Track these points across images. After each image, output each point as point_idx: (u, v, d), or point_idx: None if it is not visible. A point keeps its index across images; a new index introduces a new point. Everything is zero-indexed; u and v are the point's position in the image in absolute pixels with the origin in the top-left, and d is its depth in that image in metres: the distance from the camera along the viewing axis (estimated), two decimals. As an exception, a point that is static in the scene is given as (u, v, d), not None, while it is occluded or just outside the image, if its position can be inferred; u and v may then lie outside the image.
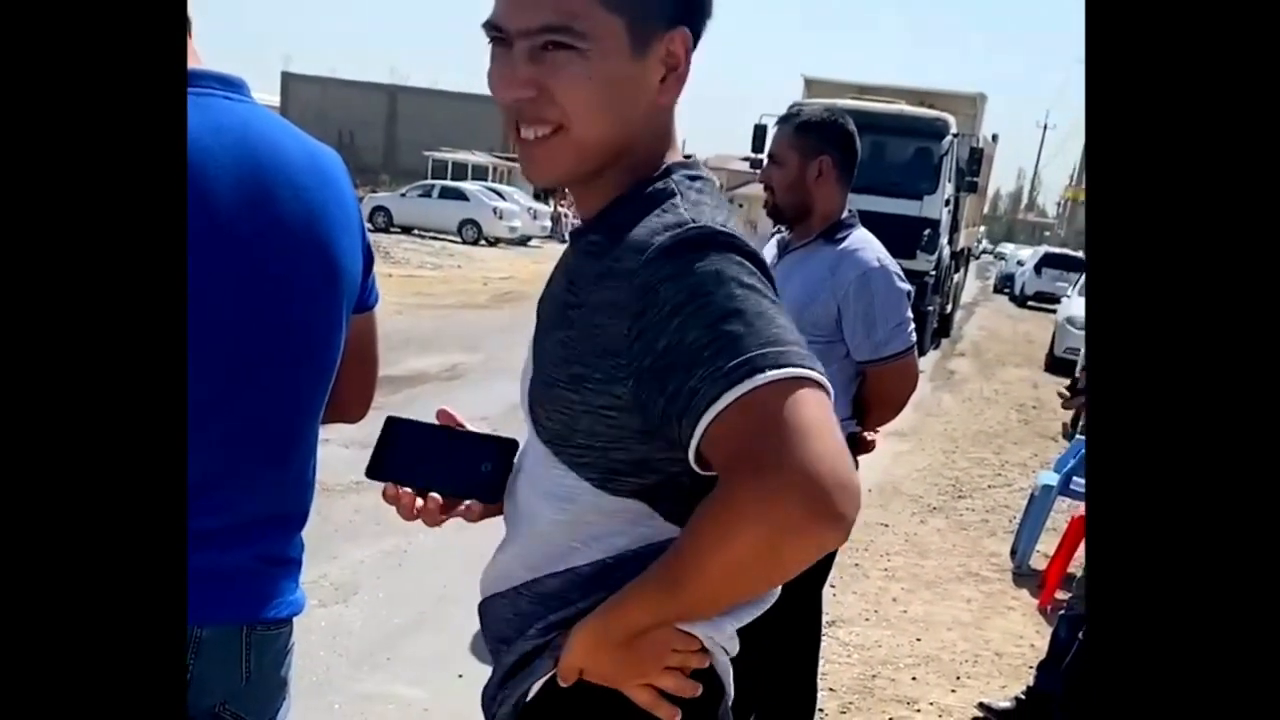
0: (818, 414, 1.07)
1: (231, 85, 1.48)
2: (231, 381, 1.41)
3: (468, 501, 1.44)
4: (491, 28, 1.23)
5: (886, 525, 6.40)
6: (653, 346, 1.12)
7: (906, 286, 3.01)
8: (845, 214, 3.11)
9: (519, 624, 1.34)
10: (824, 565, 3.19)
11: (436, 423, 1.49)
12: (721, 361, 1.08)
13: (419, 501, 1.41)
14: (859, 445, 3.14)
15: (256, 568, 1.49)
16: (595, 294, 1.20)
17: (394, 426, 1.47)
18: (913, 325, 3.03)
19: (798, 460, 1.04)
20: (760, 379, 1.06)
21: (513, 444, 1.44)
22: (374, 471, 1.45)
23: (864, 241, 3.05)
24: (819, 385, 1.09)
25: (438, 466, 1.43)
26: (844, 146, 3.08)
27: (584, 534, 1.27)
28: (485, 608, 1.43)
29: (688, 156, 1.33)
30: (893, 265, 3.01)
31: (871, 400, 3.07)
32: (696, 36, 1.27)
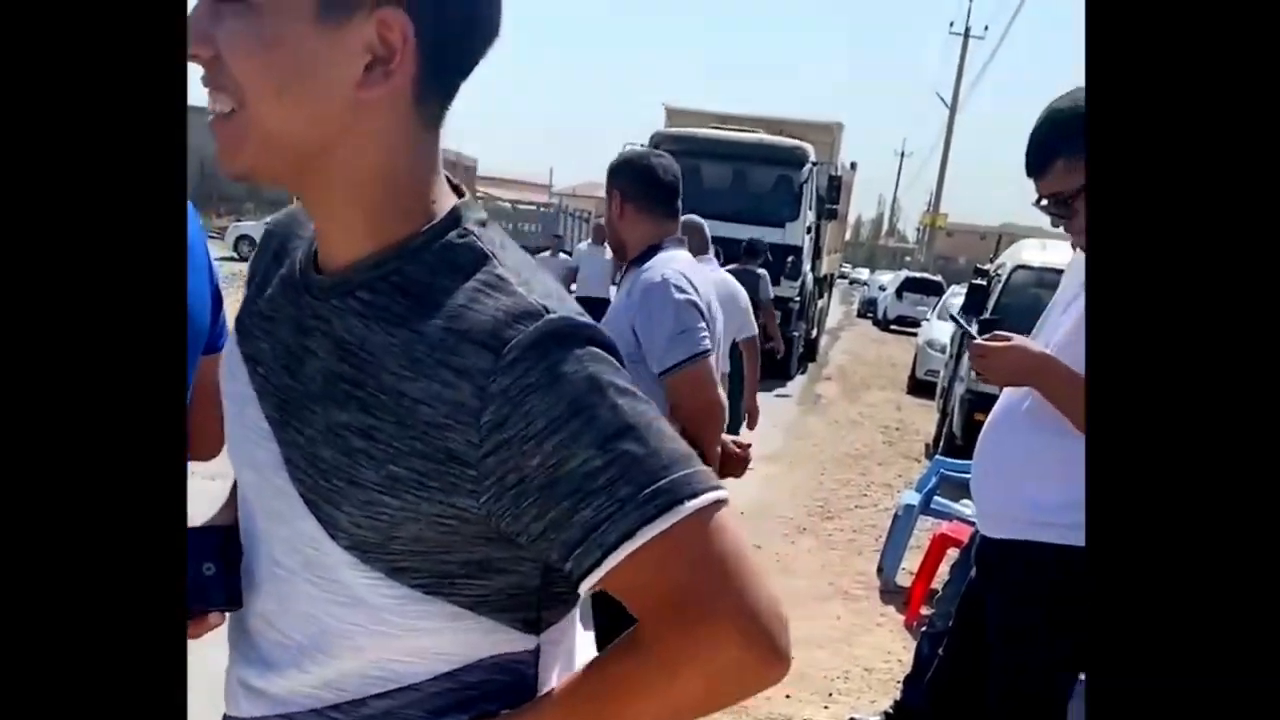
0: (738, 539, 0.99)
1: None
2: None
3: (210, 615, 1.16)
4: None
5: (759, 546, 6.48)
6: (522, 464, 0.95)
7: (688, 297, 3.05)
8: (663, 240, 3.24)
9: None
10: None
11: None
12: (626, 490, 0.95)
13: None
14: (731, 464, 3.21)
15: None
16: (409, 382, 0.98)
17: None
18: (700, 334, 3.04)
19: (735, 600, 0.97)
20: (683, 511, 0.96)
21: (226, 530, 1.17)
22: None
23: (661, 261, 3.17)
24: (725, 499, 1.00)
25: None
26: (632, 178, 3.28)
27: (415, 645, 1.06)
28: None
29: (462, 191, 1.11)
30: (677, 279, 3.06)
31: (679, 416, 3.03)
32: (445, 40, 1.00)
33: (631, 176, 3.29)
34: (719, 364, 3.29)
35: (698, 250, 4.87)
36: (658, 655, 0.99)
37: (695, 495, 0.97)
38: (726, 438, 3.25)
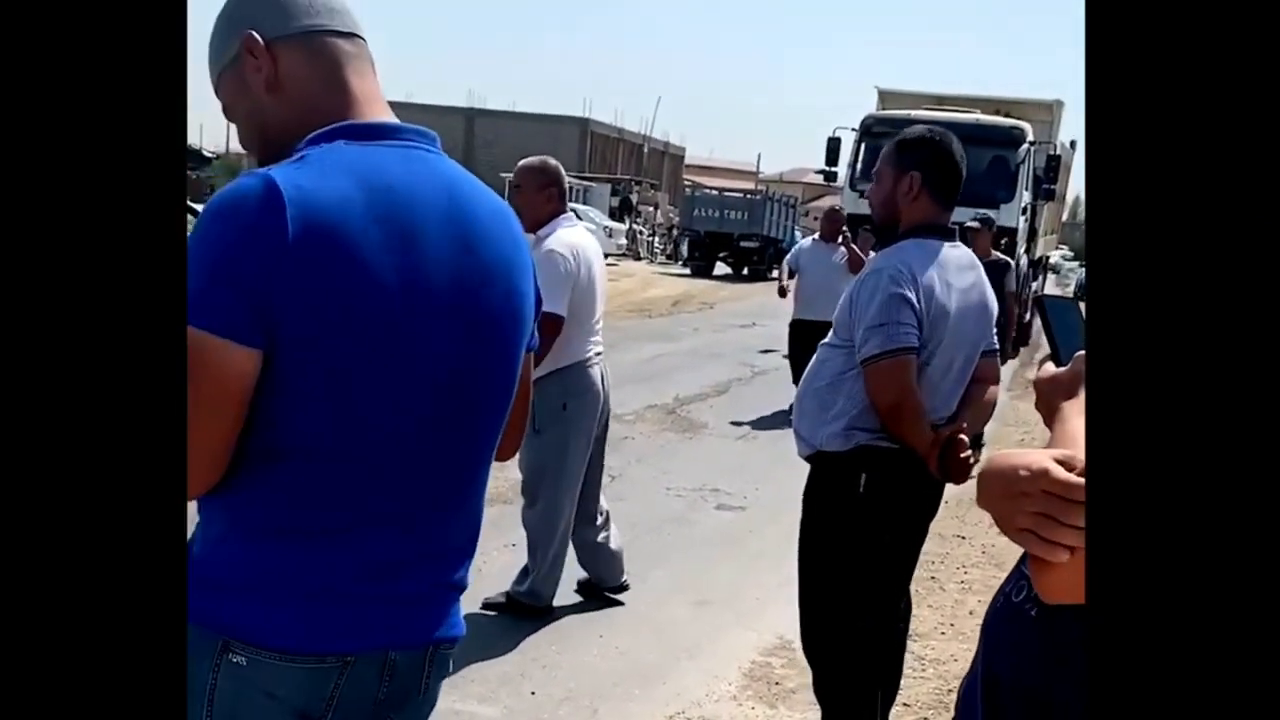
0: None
1: (432, 140, 1.58)
2: (439, 420, 1.48)
3: None
4: None
5: (964, 537, 6.34)
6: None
7: (901, 292, 2.97)
8: (933, 225, 3.16)
9: None
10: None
11: None
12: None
13: None
14: (951, 466, 2.98)
15: (437, 593, 1.58)
16: None
17: None
18: (903, 330, 2.96)
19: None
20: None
21: None
22: None
23: (896, 248, 3.11)
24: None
25: None
26: (934, 160, 3.16)
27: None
28: None
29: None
30: (896, 271, 3.00)
31: (875, 409, 3.02)
32: None
33: (933, 158, 3.18)
34: (951, 370, 3.14)
35: None
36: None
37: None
38: (959, 434, 3.04)
